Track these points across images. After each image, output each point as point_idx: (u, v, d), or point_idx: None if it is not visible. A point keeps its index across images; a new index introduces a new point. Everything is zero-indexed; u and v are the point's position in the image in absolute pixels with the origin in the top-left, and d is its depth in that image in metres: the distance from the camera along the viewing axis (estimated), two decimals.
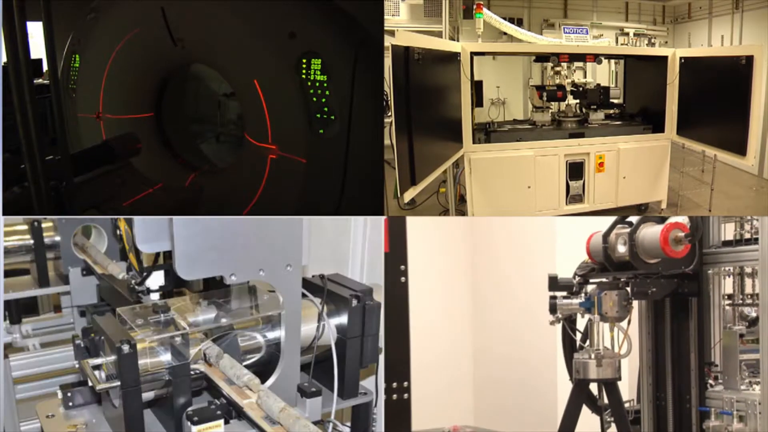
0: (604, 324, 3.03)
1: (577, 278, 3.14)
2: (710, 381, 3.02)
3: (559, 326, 3.20)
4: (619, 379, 3.08)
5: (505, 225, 4.99)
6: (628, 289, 2.98)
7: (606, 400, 3.09)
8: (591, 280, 3.11)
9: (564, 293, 3.14)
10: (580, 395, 3.07)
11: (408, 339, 2.58)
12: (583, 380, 3.05)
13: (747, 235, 3.00)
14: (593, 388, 3.13)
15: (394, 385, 2.58)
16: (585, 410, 3.13)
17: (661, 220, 2.86)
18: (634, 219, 2.93)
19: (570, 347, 3.22)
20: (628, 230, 2.89)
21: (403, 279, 2.55)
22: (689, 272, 2.94)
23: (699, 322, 3.06)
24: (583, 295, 3.11)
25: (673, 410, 3.13)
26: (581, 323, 3.17)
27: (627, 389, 3.36)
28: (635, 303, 3.06)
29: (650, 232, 2.83)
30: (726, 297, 3.12)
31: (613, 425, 3.11)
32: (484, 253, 4.99)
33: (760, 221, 2.87)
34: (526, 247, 4.64)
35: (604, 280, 3.06)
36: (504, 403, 4.70)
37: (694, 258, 2.90)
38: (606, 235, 2.95)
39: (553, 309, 3.13)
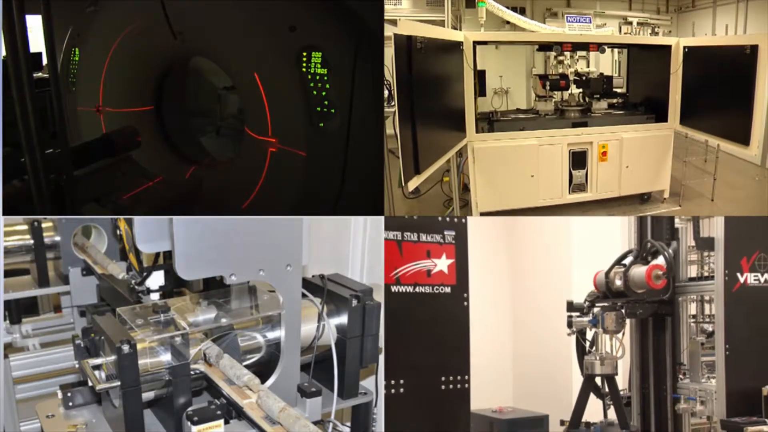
0: (605, 335, 3.92)
1: (587, 303, 4.05)
2: (680, 376, 3.92)
3: (574, 336, 4.10)
4: (617, 374, 3.94)
5: (533, 258, 6.17)
6: (623, 310, 3.85)
7: (607, 389, 3.98)
8: (596, 304, 4.00)
9: (577, 313, 4.06)
10: (588, 385, 3.97)
11: (468, 345, 3.33)
12: (590, 375, 3.94)
13: (706, 273, 3.97)
14: (598, 380, 4.01)
15: (459, 377, 3.28)
16: (592, 397, 3.99)
17: (646, 262, 3.83)
18: (627, 261, 3.89)
19: (581, 351, 4.08)
20: (622, 270, 3.84)
21: (465, 303, 3.32)
22: (666, 299, 3.83)
23: (672, 334, 3.96)
24: (591, 314, 3.98)
25: (654, 396, 4.01)
26: (590, 334, 4.04)
27: (622, 381, 4.18)
28: (628, 320, 3.95)
29: (638, 271, 3.80)
30: (691, 317, 4.12)
31: (612, 407, 3.97)
32: (520, 283, 6.29)
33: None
34: (551, 279, 5.82)
35: (605, 304, 3.93)
36: (535, 390, 5.86)
37: (669, 289, 3.80)
38: (607, 273, 3.92)
39: (569, 324, 4.07)
